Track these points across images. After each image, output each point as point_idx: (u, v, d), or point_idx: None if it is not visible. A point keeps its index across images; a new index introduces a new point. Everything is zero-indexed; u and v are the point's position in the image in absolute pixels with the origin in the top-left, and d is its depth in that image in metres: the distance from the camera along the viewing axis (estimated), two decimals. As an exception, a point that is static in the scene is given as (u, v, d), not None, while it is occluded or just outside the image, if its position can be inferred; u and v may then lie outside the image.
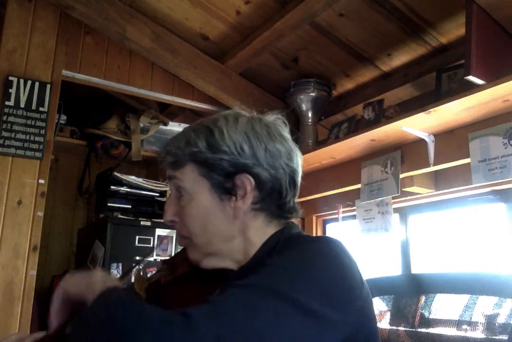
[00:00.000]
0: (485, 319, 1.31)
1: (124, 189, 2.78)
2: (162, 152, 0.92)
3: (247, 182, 0.84)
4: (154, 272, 1.06)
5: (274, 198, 0.86)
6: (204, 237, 0.86)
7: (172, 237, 2.75)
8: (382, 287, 1.61)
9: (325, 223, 2.97)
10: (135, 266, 0.92)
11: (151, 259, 2.66)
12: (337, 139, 2.38)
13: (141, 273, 0.90)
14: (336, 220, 2.62)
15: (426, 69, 2.24)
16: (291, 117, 2.70)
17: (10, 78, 2.22)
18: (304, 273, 0.72)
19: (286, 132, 0.92)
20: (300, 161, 0.92)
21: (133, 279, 0.92)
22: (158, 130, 3.05)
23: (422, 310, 1.47)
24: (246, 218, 0.86)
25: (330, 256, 0.77)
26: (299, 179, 0.91)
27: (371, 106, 2.31)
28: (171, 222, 0.90)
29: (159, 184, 2.91)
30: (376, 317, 1.63)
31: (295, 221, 0.96)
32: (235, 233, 0.86)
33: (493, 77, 1.64)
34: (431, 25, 2.08)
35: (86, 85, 2.58)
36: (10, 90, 2.21)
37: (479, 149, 1.83)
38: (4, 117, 2.18)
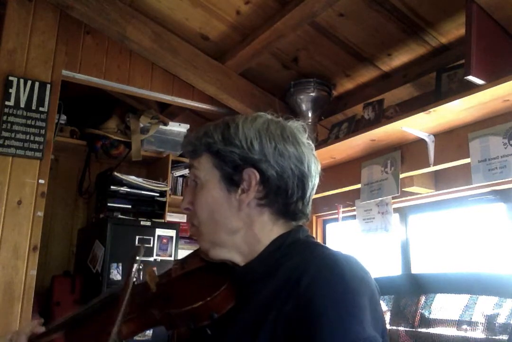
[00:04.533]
0: (485, 319, 1.31)
1: (124, 189, 2.78)
2: (184, 141, 0.97)
3: (253, 176, 0.87)
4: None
5: (280, 196, 0.88)
6: (210, 226, 0.90)
7: (172, 237, 2.75)
8: (382, 287, 1.61)
9: (325, 223, 2.97)
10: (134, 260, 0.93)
11: (151, 259, 2.66)
12: (337, 139, 2.38)
13: (154, 268, 0.94)
14: (336, 220, 2.62)
15: (426, 69, 2.24)
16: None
17: (10, 78, 2.22)
18: (350, 308, 0.74)
19: (303, 138, 0.94)
20: (314, 168, 0.92)
21: (134, 273, 0.93)
22: (158, 130, 3.05)
23: (422, 310, 1.47)
24: (252, 212, 0.88)
25: (357, 279, 0.78)
26: (309, 183, 0.91)
27: (371, 106, 2.31)
28: (186, 210, 0.94)
29: (159, 184, 2.91)
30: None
31: (305, 223, 0.96)
32: (240, 225, 0.89)
33: (493, 77, 1.64)
34: (431, 25, 2.08)
35: (86, 85, 2.58)
36: (10, 90, 2.21)
37: (479, 149, 1.83)
38: (4, 117, 2.18)
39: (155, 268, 2.49)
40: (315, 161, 0.93)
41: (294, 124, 0.95)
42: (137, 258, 0.93)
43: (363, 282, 0.78)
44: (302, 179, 0.89)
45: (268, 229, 0.89)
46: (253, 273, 0.87)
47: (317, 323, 0.72)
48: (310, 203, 0.93)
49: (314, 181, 0.93)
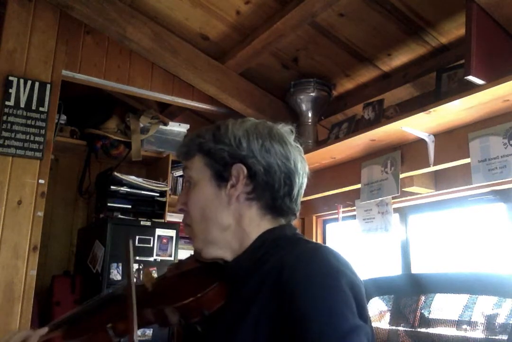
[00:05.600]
0: (485, 319, 1.31)
1: (124, 189, 2.78)
2: (179, 145, 1.02)
3: (240, 171, 0.91)
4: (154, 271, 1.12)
5: (267, 190, 0.92)
6: (202, 223, 0.93)
7: (172, 237, 2.75)
8: (382, 287, 1.61)
9: (325, 223, 2.97)
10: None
11: (151, 259, 2.66)
12: (337, 139, 2.38)
13: (150, 269, 0.98)
14: (336, 220, 2.62)
15: (426, 69, 2.24)
16: (290, 118, 2.71)
17: (10, 78, 2.22)
18: (330, 303, 0.75)
19: (290, 139, 0.98)
20: (301, 166, 0.96)
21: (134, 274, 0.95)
22: (158, 130, 3.05)
23: (422, 310, 1.47)
24: (241, 207, 0.92)
25: (334, 272, 0.79)
26: (297, 180, 0.94)
27: (371, 106, 2.31)
28: (181, 210, 0.97)
29: (159, 184, 2.90)
30: (376, 317, 1.63)
31: (293, 221, 0.99)
32: (230, 221, 0.92)
33: (493, 77, 1.64)
34: (431, 25, 2.08)
35: (86, 85, 2.58)
36: (10, 90, 2.21)
37: (479, 149, 1.83)
38: (4, 117, 2.18)
39: (154, 269, 2.50)
40: (302, 161, 0.97)
41: (284, 128, 1.00)
42: (131, 247, 0.94)
43: (340, 275, 0.79)
44: (289, 175, 0.93)
45: (255, 224, 0.92)
46: (239, 268, 0.90)
47: (301, 323, 0.74)
48: (299, 202, 0.97)
49: (302, 179, 0.96)
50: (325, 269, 0.79)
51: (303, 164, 0.97)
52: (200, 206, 0.93)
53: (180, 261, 1.06)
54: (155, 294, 0.93)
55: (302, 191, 0.97)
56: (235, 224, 0.92)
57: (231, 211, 0.92)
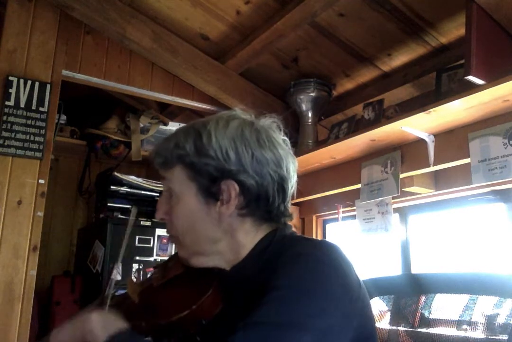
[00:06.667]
0: (485, 319, 1.31)
1: (124, 189, 2.78)
2: (152, 152, 0.92)
3: (232, 188, 0.84)
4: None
5: (261, 204, 0.87)
6: (190, 237, 0.88)
7: (172, 237, 2.75)
8: (382, 287, 1.61)
9: (325, 223, 2.97)
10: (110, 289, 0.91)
11: (151, 259, 2.66)
12: (337, 139, 2.38)
13: (133, 278, 0.92)
14: (336, 220, 2.62)
15: (426, 69, 2.24)
16: (290, 118, 2.71)
17: (10, 78, 2.22)
18: (309, 294, 0.74)
19: (278, 137, 0.91)
20: (292, 168, 0.91)
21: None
22: (158, 130, 3.05)
23: (422, 310, 1.47)
24: (233, 222, 0.87)
25: (329, 265, 0.78)
26: (289, 185, 0.90)
27: (371, 106, 2.31)
28: (162, 220, 0.92)
29: (159, 184, 2.90)
30: (376, 317, 1.63)
31: (289, 222, 0.96)
32: (221, 235, 0.87)
33: (493, 77, 1.64)
34: (431, 25, 2.08)
35: (86, 85, 2.58)
36: (10, 90, 2.21)
37: (479, 149, 1.83)
38: (4, 117, 2.18)
39: (153, 270, 2.49)
40: (293, 161, 0.92)
41: (267, 123, 0.91)
42: (131, 218, 0.92)
43: (337, 270, 0.78)
44: (282, 184, 0.88)
45: (252, 235, 0.88)
46: (241, 275, 0.87)
47: (272, 293, 0.73)
48: (290, 201, 0.92)
49: (293, 180, 0.92)
50: (323, 261, 0.78)
51: (294, 164, 0.92)
52: (187, 220, 0.87)
53: (165, 264, 0.99)
54: (145, 307, 0.88)
55: (293, 190, 0.93)
56: (228, 237, 0.87)
57: (222, 227, 0.86)
